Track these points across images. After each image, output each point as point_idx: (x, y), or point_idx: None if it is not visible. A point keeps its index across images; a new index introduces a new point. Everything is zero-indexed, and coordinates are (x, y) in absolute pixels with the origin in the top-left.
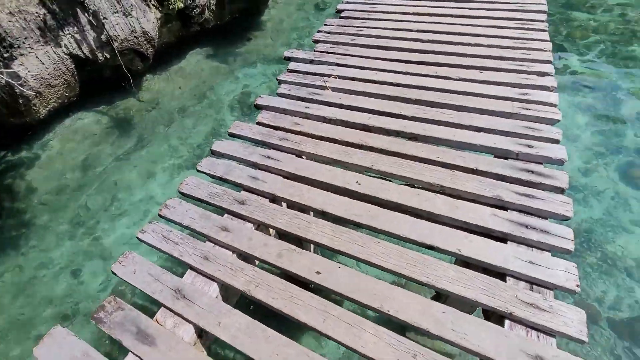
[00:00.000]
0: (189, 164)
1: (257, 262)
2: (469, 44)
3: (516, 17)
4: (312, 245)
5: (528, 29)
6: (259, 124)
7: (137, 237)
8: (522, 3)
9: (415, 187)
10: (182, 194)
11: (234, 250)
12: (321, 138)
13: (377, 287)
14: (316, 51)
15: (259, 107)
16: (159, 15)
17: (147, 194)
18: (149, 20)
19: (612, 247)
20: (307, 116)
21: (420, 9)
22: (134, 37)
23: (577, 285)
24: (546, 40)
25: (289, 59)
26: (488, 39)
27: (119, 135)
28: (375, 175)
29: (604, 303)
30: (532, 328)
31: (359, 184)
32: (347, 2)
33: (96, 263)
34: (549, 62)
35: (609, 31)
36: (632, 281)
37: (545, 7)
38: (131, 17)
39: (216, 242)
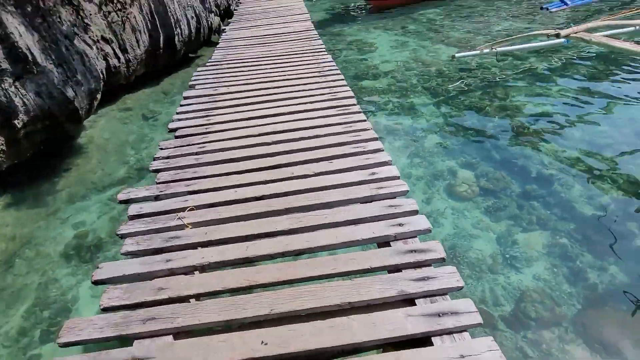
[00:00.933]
0: None
1: None
2: (310, 137)
3: (333, 105)
4: None
5: (347, 113)
6: (105, 310)
7: None
8: (335, 92)
9: (326, 318)
10: None
11: None
12: (198, 297)
13: None
14: (159, 183)
15: (98, 284)
16: None
17: None
18: None
19: (473, 252)
20: (171, 272)
21: (254, 112)
22: None
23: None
24: (364, 120)
25: (126, 202)
26: (323, 129)
27: None
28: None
29: (489, 303)
30: None
31: (265, 343)
32: (179, 120)
33: None
34: (375, 139)
35: (392, 91)
36: (495, 275)
37: (352, 94)
38: None
39: None
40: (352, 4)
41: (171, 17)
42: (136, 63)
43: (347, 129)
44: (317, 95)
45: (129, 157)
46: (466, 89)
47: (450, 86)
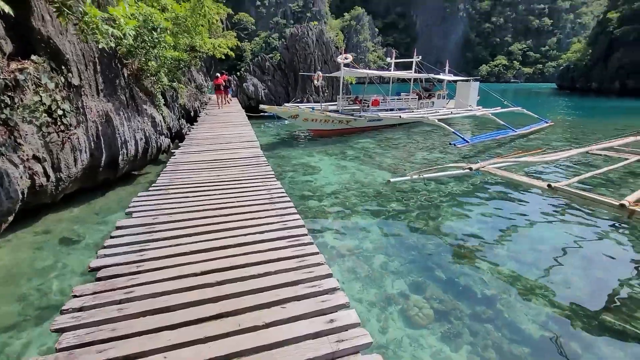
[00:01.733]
0: None
1: None
2: (260, 275)
3: (284, 235)
4: None
5: (299, 244)
6: None
7: None
8: (285, 221)
9: None
10: None
11: None
12: None
13: None
14: (59, 350)
15: None
16: None
17: None
18: None
19: None
20: None
21: (198, 245)
22: None
23: None
24: (317, 253)
25: None
26: (274, 264)
27: None
28: None
29: None
30: None
31: None
32: (105, 256)
33: None
34: (330, 275)
35: (337, 211)
36: None
37: (302, 222)
38: None
39: None
40: (296, 131)
41: (119, 139)
42: (69, 181)
43: (299, 263)
44: (266, 224)
45: (30, 292)
46: (404, 209)
47: (389, 207)
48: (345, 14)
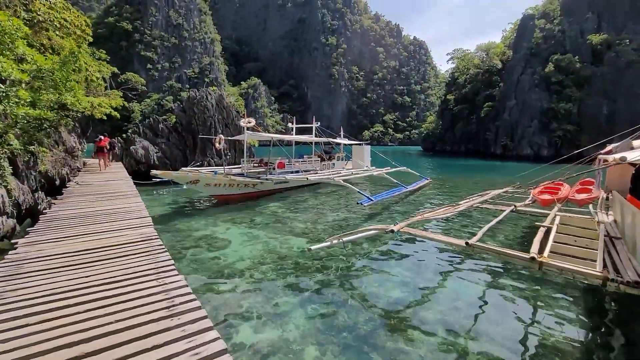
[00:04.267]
0: None
1: None
2: None
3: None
4: None
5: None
6: None
7: None
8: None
9: None
10: None
11: None
12: None
13: None
14: None
15: None
16: None
17: None
18: None
19: None
20: None
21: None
22: None
23: None
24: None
25: None
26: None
27: None
28: None
29: None
30: None
31: None
32: None
33: None
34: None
35: (252, 293)
36: None
37: (189, 289)
38: None
39: None
40: (196, 197)
41: None
42: None
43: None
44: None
45: None
46: (325, 279)
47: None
48: (243, 82)
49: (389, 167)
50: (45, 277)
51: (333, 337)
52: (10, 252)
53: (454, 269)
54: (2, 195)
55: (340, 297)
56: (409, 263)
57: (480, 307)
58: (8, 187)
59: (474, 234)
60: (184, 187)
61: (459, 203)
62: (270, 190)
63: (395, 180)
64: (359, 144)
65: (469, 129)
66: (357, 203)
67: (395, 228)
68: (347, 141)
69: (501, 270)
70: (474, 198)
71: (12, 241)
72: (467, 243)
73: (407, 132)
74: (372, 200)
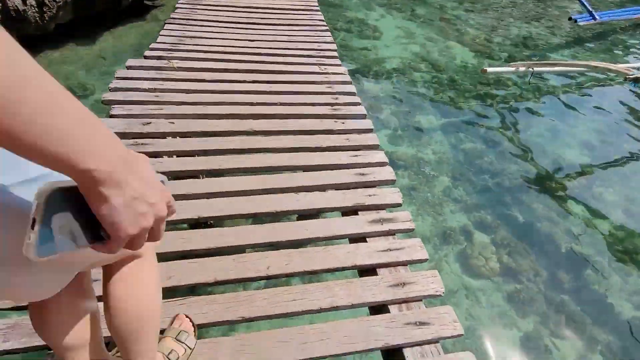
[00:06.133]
0: None
1: None
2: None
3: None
4: None
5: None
6: None
7: None
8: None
9: None
10: None
11: None
12: None
13: None
14: None
15: None
16: None
17: None
18: None
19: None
20: None
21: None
22: None
23: None
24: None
25: None
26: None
27: None
28: None
29: None
30: None
31: None
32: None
33: None
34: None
35: (397, 101)
36: None
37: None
38: None
39: None
40: None
41: None
42: (55, 7)
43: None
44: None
45: None
46: (484, 112)
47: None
48: None
49: None
50: (214, 33)
51: (472, 174)
52: None
53: None
54: None
55: (495, 137)
56: (608, 122)
57: None
58: None
59: None
60: None
61: None
62: None
63: None
64: None
65: None
66: (570, 19)
67: None
68: None
69: None
70: None
71: None
72: None
73: None
74: (595, 19)
